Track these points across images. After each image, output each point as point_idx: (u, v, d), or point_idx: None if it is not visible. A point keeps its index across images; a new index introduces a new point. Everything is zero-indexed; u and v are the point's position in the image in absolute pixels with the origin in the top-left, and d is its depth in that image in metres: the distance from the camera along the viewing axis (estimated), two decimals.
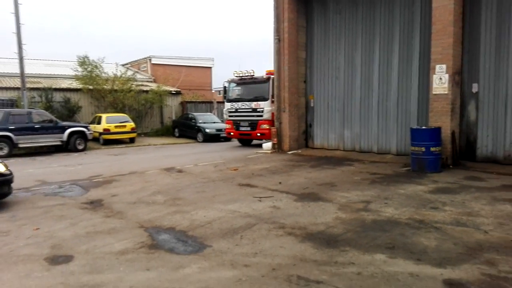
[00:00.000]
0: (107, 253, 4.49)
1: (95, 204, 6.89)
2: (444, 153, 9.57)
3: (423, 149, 8.97)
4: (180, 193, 7.53)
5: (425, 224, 5.25)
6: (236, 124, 17.19)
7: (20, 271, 4.02)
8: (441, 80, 9.66)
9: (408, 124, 11.22)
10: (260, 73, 16.77)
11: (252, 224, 5.41)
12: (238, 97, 17.33)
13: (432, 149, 8.94)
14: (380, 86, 12.08)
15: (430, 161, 8.98)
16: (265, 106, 15.88)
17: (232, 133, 17.68)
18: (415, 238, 4.72)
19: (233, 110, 17.34)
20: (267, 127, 15.39)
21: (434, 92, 9.84)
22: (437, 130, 9.18)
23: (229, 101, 17.66)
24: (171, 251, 4.54)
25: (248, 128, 16.67)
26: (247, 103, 16.71)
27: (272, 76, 14.82)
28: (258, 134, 16.25)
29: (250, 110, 16.51)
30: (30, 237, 5.11)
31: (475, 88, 9.99)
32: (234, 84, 17.56)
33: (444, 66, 9.59)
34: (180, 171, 10.35)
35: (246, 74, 16.94)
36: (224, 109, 18.52)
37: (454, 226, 5.12)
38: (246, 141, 18.08)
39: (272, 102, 14.94)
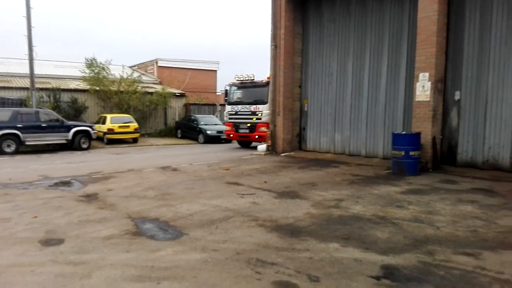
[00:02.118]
0: (95, 238, 5.06)
1: (90, 197, 7.48)
2: (425, 158, 10.04)
3: (403, 153, 9.46)
4: (170, 189, 8.11)
5: (385, 220, 5.76)
6: (236, 126, 17.81)
7: (17, 250, 4.61)
8: (423, 88, 10.14)
9: (394, 129, 11.69)
10: (263, 77, 17.29)
11: (229, 217, 5.96)
12: (239, 100, 18.00)
13: (411, 153, 9.42)
14: (369, 92, 12.58)
15: (409, 165, 9.46)
16: (264, 110, 16.46)
17: (231, 135, 18.31)
18: (371, 231, 5.23)
19: (233, 112, 17.97)
20: (265, 130, 15.94)
21: (416, 99, 10.33)
22: (416, 135, 9.67)
23: (230, 104, 18.31)
24: (151, 237, 5.11)
25: (247, 131, 17.28)
26: (246, 106, 17.34)
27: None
28: (257, 137, 16.83)
29: (250, 113, 17.13)
30: (29, 224, 5.70)
31: (457, 95, 10.45)
32: (235, 88, 18.23)
33: (427, 74, 10.08)
34: (175, 169, 10.95)
35: (247, 78, 17.54)
36: (225, 112, 19.16)
37: (410, 222, 5.62)
38: (245, 143, 18.64)
39: None
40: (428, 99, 10.10)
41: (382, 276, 3.82)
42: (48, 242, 4.89)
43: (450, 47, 10.46)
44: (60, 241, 4.92)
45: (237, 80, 18.11)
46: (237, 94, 18.22)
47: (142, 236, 5.13)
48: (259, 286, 3.61)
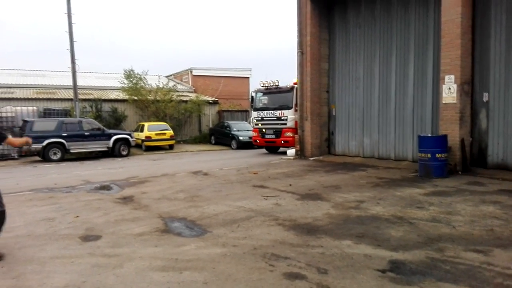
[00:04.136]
0: (128, 234, 5.56)
1: (126, 200, 8.06)
2: (453, 160, 9.98)
3: (429, 155, 9.47)
4: (199, 192, 8.57)
5: (402, 220, 5.92)
6: (262, 132, 18.18)
7: (60, 245, 5.17)
8: (450, 90, 10.11)
9: (423, 132, 11.66)
10: (290, 82, 17.53)
11: (251, 217, 6.31)
12: (264, 106, 18.37)
13: (437, 155, 9.41)
14: (397, 95, 12.61)
15: (436, 167, 9.45)
16: (289, 115, 16.74)
17: (258, 141, 18.67)
18: (386, 230, 5.42)
19: (259, 118, 18.36)
20: (291, 135, 16.22)
21: (443, 102, 10.30)
22: (442, 137, 9.64)
23: (256, 110, 18.74)
24: (178, 234, 5.55)
25: (273, 136, 17.58)
26: (272, 111, 17.67)
27: (296, 85, 15.74)
28: (282, 142, 17.11)
29: (275, 118, 17.44)
30: (71, 222, 6.31)
31: (485, 97, 10.33)
32: (261, 94, 18.62)
33: (452, 76, 10.05)
34: (205, 174, 11.45)
35: (272, 84, 17.86)
36: (251, 118, 19.58)
37: (427, 222, 5.75)
38: (272, 148, 18.90)
39: (296, 110, 15.80)
40: (454, 101, 10.05)
41: (388, 269, 4.04)
42: (87, 238, 5.43)
43: (477, 49, 10.38)
44: (97, 237, 5.45)
45: (262, 86, 18.47)
46: (262, 100, 18.61)
47: (170, 233, 5.58)
48: (271, 276, 3.93)
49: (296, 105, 15.83)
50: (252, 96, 19.31)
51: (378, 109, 13.21)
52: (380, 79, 13.07)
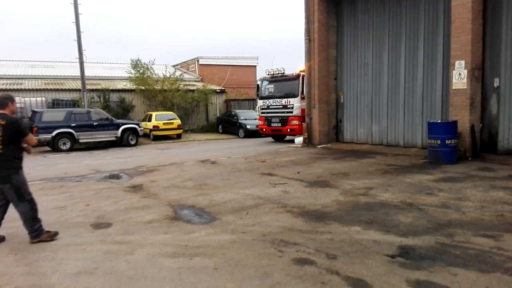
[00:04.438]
0: (138, 222, 5.62)
1: (136, 188, 8.13)
2: (463, 146, 9.89)
3: (439, 141, 9.39)
4: (207, 180, 8.61)
5: (411, 206, 5.90)
6: (268, 120, 18.07)
7: (71, 233, 5.24)
8: (460, 76, 9.97)
9: (433, 118, 11.53)
10: (297, 70, 17.32)
11: (259, 204, 6.33)
12: (270, 94, 18.23)
13: (447, 141, 9.33)
14: (406, 82, 12.47)
15: (446, 153, 9.38)
16: (295, 103, 16.62)
17: (264, 129, 18.59)
18: (395, 216, 5.41)
19: (265, 107, 18.23)
20: (297, 123, 16.14)
21: (453, 87, 10.17)
22: (452, 123, 9.55)
23: (262, 98, 18.61)
24: (187, 222, 5.59)
25: (279, 124, 17.49)
26: (278, 100, 17.54)
27: (302, 73, 15.61)
28: (288, 130, 17.03)
29: (281, 106, 17.32)
30: (81, 211, 6.38)
31: (496, 82, 10.18)
32: (267, 82, 18.47)
33: (463, 62, 9.90)
34: (213, 162, 11.49)
35: (277, 72, 17.67)
36: (257, 106, 19.50)
37: (437, 208, 5.72)
38: (279, 137, 18.78)
39: (302, 98, 15.72)
40: (465, 87, 9.92)
41: (397, 254, 4.04)
42: (98, 226, 5.50)
43: (488, 33, 10.20)
44: (108, 225, 5.51)
45: (268, 74, 18.26)
46: (268, 89, 18.45)
47: (179, 221, 5.63)
48: (280, 262, 3.95)
49: (302, 93, 15.74)
50: (257, 84, 19.20)
51: (387, 95, 13.08)
52: (389, 65, 12.93)
